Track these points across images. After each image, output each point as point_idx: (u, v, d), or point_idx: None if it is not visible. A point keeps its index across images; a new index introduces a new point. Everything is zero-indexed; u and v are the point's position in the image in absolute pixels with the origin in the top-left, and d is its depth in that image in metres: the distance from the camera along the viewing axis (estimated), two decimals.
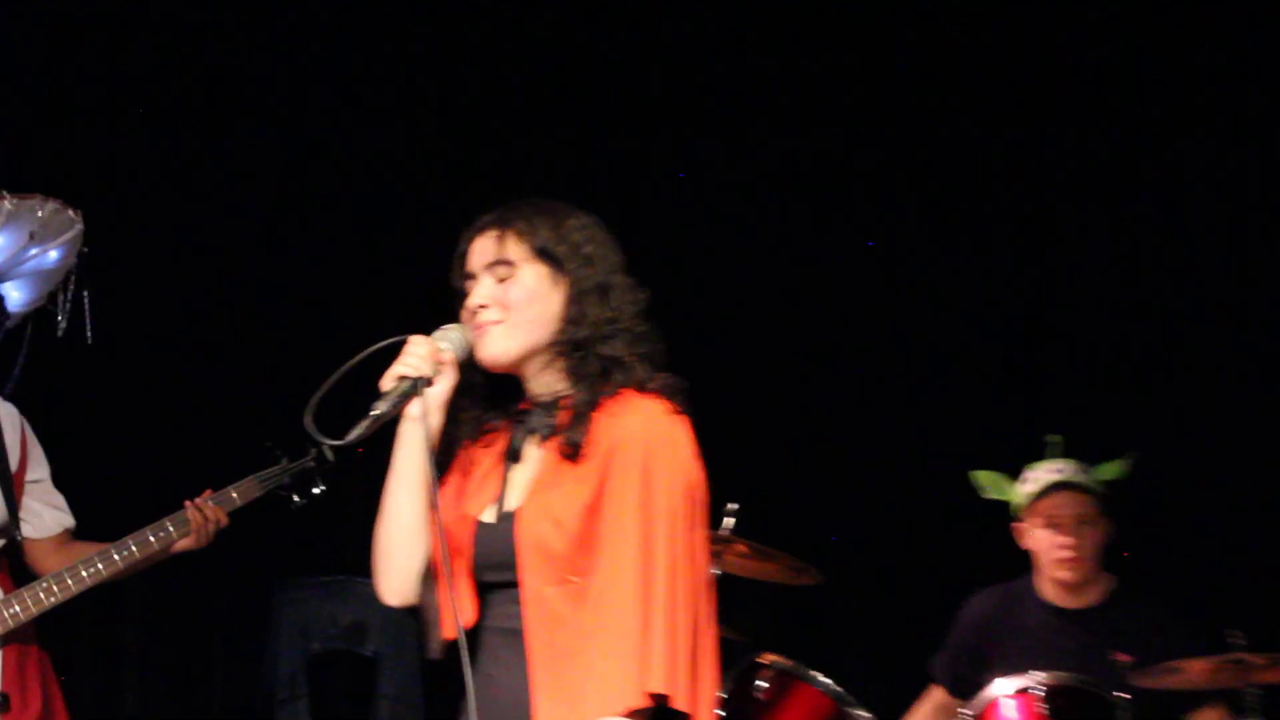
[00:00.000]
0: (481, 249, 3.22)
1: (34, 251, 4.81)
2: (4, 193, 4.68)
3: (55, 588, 4.59)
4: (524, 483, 3.19)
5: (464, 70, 6.46)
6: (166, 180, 6.27)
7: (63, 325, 4.93)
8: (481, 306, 3.18)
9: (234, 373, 6.36)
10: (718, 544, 5.09)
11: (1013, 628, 5.34)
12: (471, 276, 3.23)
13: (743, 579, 5.33)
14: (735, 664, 5.09)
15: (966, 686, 5.22)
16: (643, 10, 6.40)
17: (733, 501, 5.11)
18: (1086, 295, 6.41)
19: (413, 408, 3.12)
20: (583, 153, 6.42)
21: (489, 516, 3.19)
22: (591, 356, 3.15)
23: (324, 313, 6.31)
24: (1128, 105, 6.24)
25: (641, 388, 3.14)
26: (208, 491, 4.82)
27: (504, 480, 3.22)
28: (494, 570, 3.15)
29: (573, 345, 3.16)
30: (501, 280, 3.18)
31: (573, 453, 3.11)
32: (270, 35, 6.36)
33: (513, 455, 3.22)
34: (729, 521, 5.13)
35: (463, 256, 3.25)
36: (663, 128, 6.45)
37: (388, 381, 3.12)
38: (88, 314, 4.90)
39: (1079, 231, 6.37)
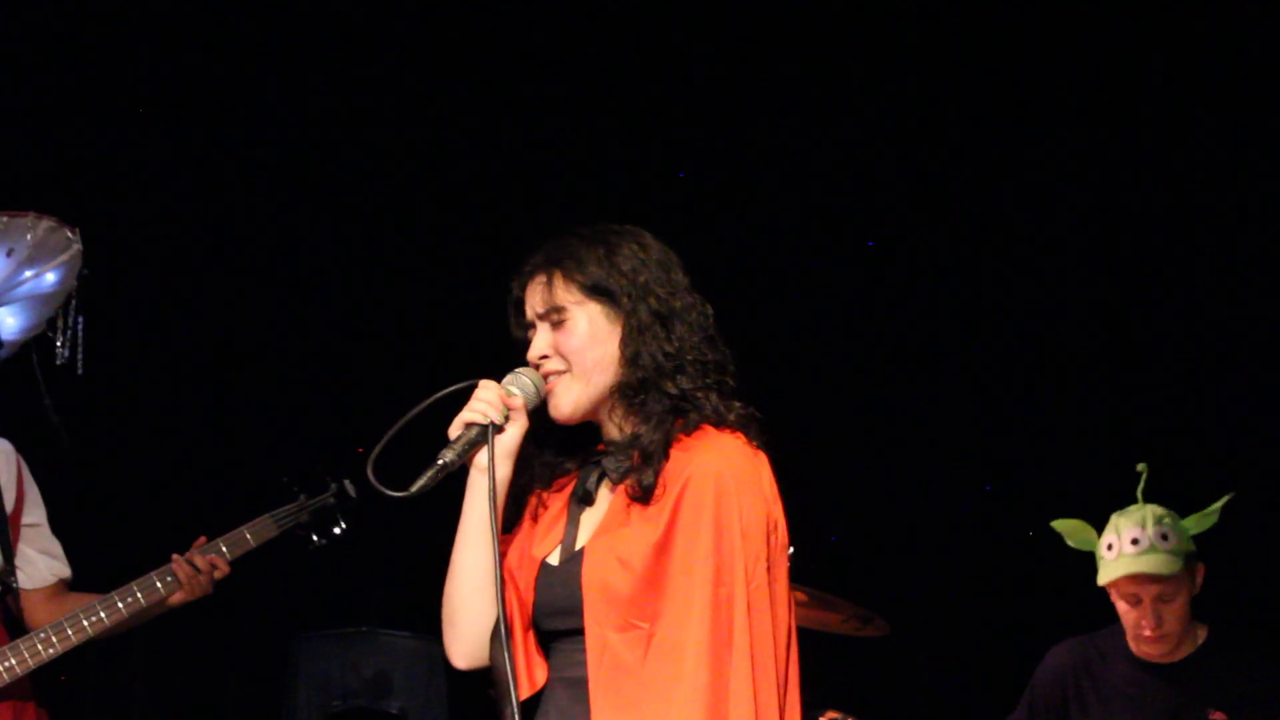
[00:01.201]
0: (533, 295, 3.14)
1: (28, 274, 4.64)
2: None
3: (54, 639, 4.51)
4: (592, 525, 3.10)
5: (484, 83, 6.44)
6: (169, 200, 6.22)
7: (63, 354, 4.76)
8: (543, 358, 3.11)
9: (245, 403, 6.31)
10: None
11: (1096, 683, 5.13)
12: (531, 326, 3.16)
13: (801, 629, 4.99)
14: None
15: None
16: (642, 10, 6.37)
17: (790, 546, 4.78)
18: (1175, 320, 6.33)
19: (480, 457, 3.04)
20: (582, 153, 6.43)
21: (554, 559, 3.09)
22: (656, 395, 3.06)
23: (339, 338, 6.35)
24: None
25: (719, 422, 3.05)
26: (200, 540, 4.69)
27: (571, 522, 3.12)
28: (558, 616, 3.03)
29: (635, 386, 3.07)
30: (557, 327, 3.11)
31: (643, 495, 3.01)
32: (300, 48, 6.31)
33: (583, 497, 3.13)
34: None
35: (519, 305, 3.19)
36: (663, 127, 6.43)
37: (455, 428, 3.04)
38: (80, 341, 4.74)
39: (1176, 257, 6.30)
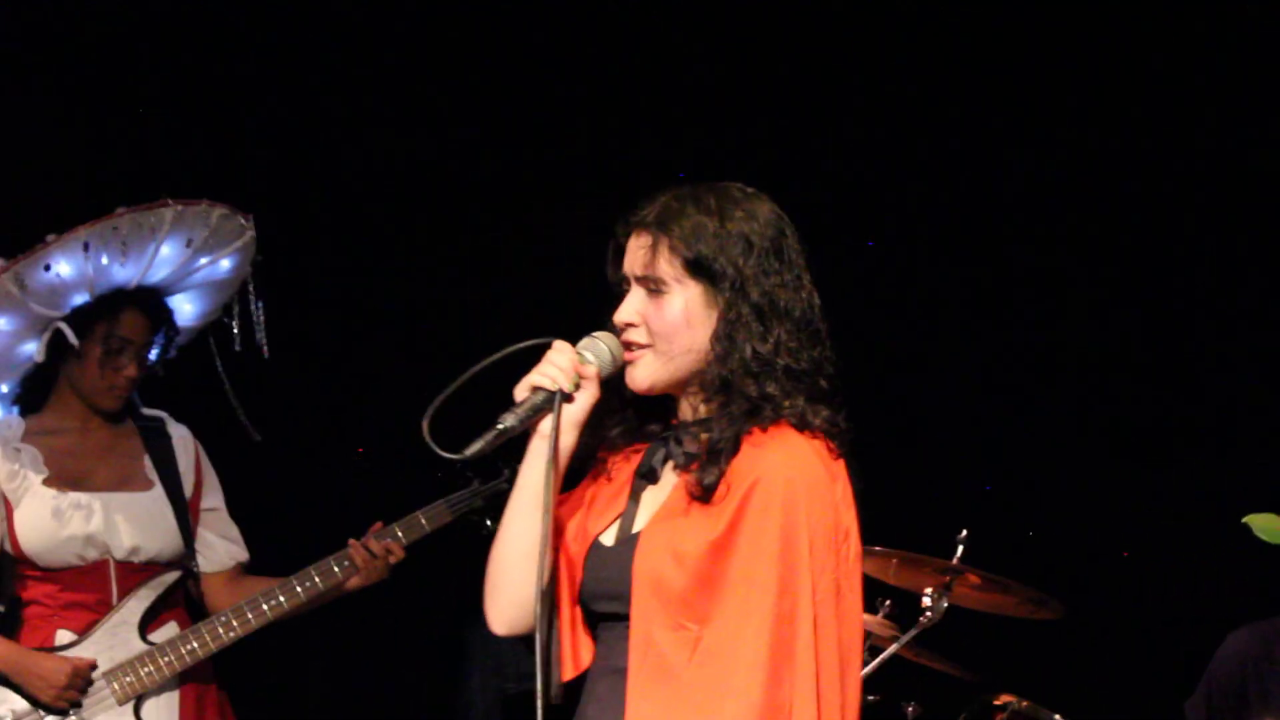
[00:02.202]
0: (635, 253, 2.94)
1: (203, 261, 4.66)
2: (168, 199, 4.51)
3: (234, 622, 4.57)
4: (652, 507, 2.92)
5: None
6: (340, 184, 6.20)
7: (239, 340, 4.78)
8: (629, 325, 2.93)
9: (421, 389, 6.11)
10: (947, 574, 4.86)
11: (1278, 667, 4.99)
12: (625, 278, 2.96)
13: (975, 612, 5.11)
14: (968, 706, 4.98)
15: None
16: (642, 10, 6.28)
17: (963, 527, 4.88)
18: None
19: (544, 424, 2.87)
20: (583, 152, 6.30)
21: (609, 539, 2.92)
22: (737, 396, 2.86)
23: (517, 323, 6.11)
24: None
25: (801, 425, 2.85)
26: (376, 525, 4.69)
27: (633, 500, 2.94)
28: (606, 600, 2.88)
29: (717, 384, 2.87)
30: (652, 295, 2.91)
31: (703, 495, 2.82)
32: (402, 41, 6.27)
33: (646, 474, 2.95)
34: (959, 550, 4.87)
35: (619, 251, 2.98)
36: (662, 127, 6.31)
37: (521, 390, 2.87)
38: (262, 327, 4.75)
39: None
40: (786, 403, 2.84)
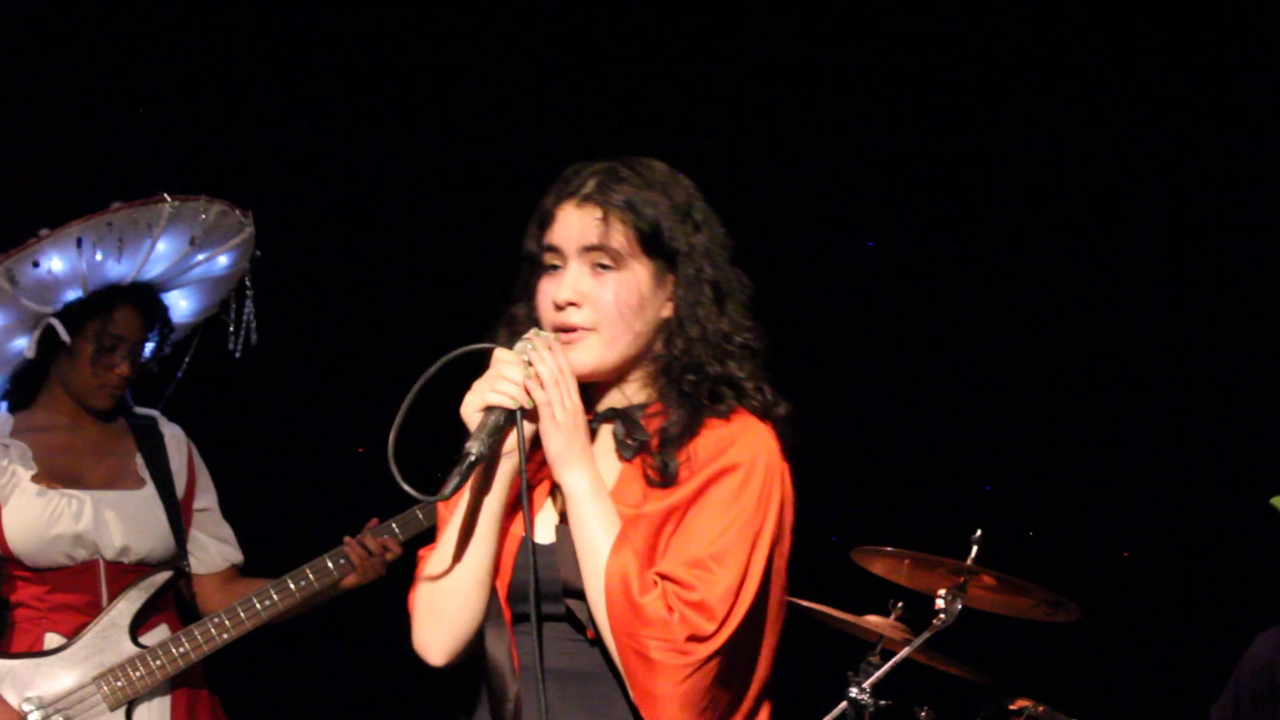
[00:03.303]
0: (579, 224, 2.77)
1: (200, 258, 4.63)
2: (165, 195, 4.47)
3: (227, 623, 4.53)
4: None
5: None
6: (338, 180, 6.21)
7: (236, 338, 4.75)
8: (570, 304, 2.75)
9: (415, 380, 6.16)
10: (961, 575, 4.78)
11: None
12: (557, 251, 2.79)
13: (990, 615, 5.01)
14: (983, 710, 4.96)
15: None
16: (641, 10, 6.28)
17: (977, 527, 4.78)
18: None
19: (508, 443, 2.73)
20: (582, 152, 6.14)
21: (545, 537, 2.77)
22: (699, 377, 2.76)
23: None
24: None
25: (764, 414, 2.78)
26: (373, 521, 4.66)
27: (557, 494, 2.79)
28: (548, 601, 2.73)
29: (678, 366, 2.76)
30: (598, 273, 2.76)
31: (663, 481, 2.72)
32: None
33: None
34: (973, 550, 4.78)
35: (547, 219, 2.81)
36: (662, 127, 6.24)
37: (472, 411, 2.71)
38: (252, 325, 4.73)
39: None
40: (750, 385, 2.76)
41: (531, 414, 2.71)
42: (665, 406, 2.75)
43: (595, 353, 2.74)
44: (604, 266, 2.75)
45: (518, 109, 6.28)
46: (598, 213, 2.76)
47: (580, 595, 2.70)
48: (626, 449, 2.76)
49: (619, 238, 2.75)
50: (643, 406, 2.79)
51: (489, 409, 2.69)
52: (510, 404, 2.68)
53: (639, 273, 2.76)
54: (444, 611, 2.75)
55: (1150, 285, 6.31)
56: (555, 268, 2.78)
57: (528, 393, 2.70)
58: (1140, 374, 6.30)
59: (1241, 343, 6.18)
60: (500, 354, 2.73)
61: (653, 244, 2.76)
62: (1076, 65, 6.16)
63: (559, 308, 2.75)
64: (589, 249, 2.75)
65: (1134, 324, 6.31)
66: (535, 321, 2.80)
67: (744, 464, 2.70)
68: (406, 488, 2.66)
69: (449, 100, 6.26)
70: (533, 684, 2.70)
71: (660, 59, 6.30)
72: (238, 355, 4.70)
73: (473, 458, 2.65)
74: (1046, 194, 6.29)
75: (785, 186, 6.32)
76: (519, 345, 2.73)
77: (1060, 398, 6.31)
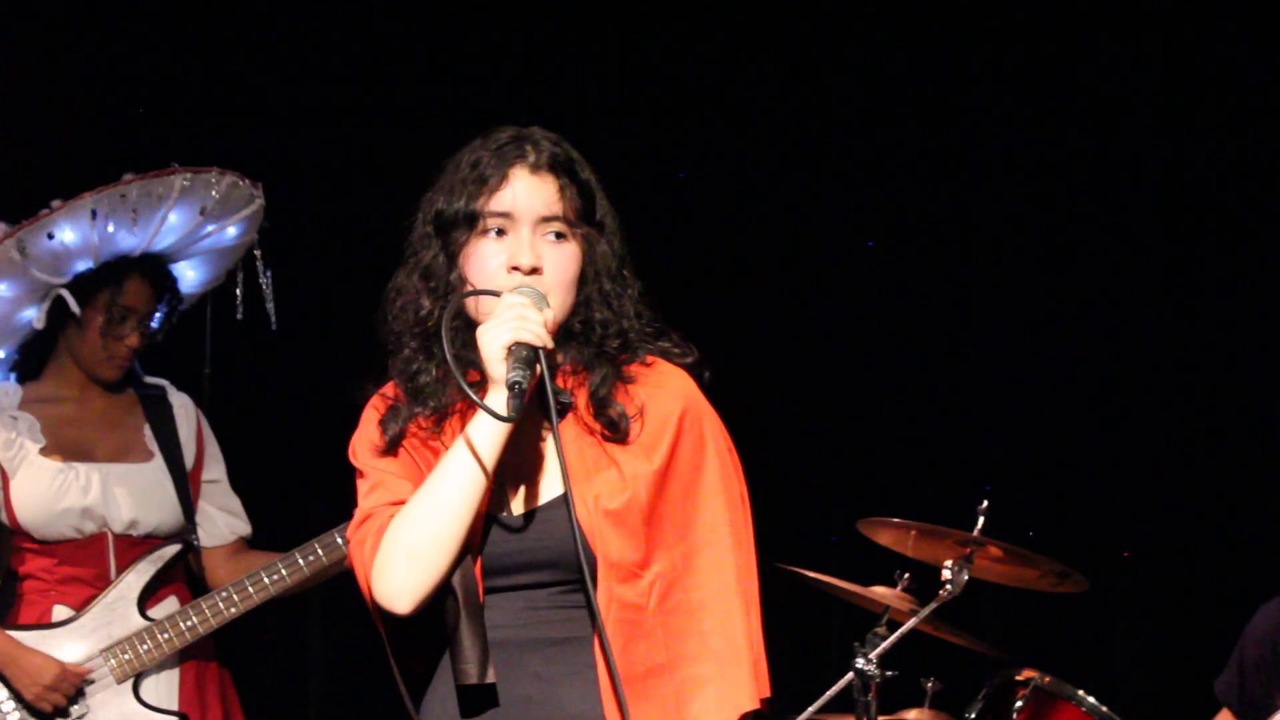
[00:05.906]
0: (540, 193, 2.84)
1: (210, 229, 4.63)
2: (177, 166, 4.50)
3: (236, 597, 4.53)
4: (549, 466, 2.87)
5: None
6: (351, 157, 6.17)
7: (242, 307, 4.76)
8: (535, 270, 2.82)
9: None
10: (968, 546, 4.77)
11: None
12: (507, 216, 2.84)
13: (997, 585, 5.03)
14: (989, 681, 4.91)
15: (1257, 710, 4.85)
16: (641, 9, 6.29)
17: (984, 498, 4.77)
18: None
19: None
20: (589, 151, 6.16)
21: (516, 509, 2.85)
22: (616, 336, 2.89)
23: None
24: None
25: (668, 357, 2.94)
26: None
27: (510, 468, 2.84)
28: (525, 571, 2.82)
29: (607, 329, 2.88)
30: (552, 241, 2.85)
31: (619, 435, 2.84)
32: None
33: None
34: (980, 521, 4.77)
35: (494, 182, 2.85)
36: (663, 127, 6.31)
37: (498, 347, 2.73)
38: (270, 296, 4.72)
39: None
40: (665, 341, 2.91)
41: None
42: (579, 366, 2.86)
43: (550, 318, 2.80)
44: (559, 235, 2.83)
45: (528, 98, 6.26)
46: (555, 182, 2.84)
47: (561, 563, 2.81)
48: (556, 411, 2.77)
49: (571, 209, 2.84)
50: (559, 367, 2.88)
51: (517, 344, 2.72)
52: (538, 343, 2.73)
53: (579, 242, 2.85)
54: (423, 556, 2.77)
55: (1154, 254, 6.29)
56: (500, 232, 2.84)
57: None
58: (1146, 345, 6.28)
59: (1248, 311, 6.17)
60: (511, 297, 2.76)
61: (589, 215, 2.87)
62: (1076, 65, 6.16)
63: (522, 272, 2.80)
64: (547, 219, 2.83)
65: (1142, 292, 6.29)
66: (464, 280, 2.85)
67: (688, 409, 2.86)
68: (480, 402, 2.70)
69: (463, 83, 6.24)
70: (531, 654, 2.81)
71: (661, 58, 6.31)
72: (273, 326, 4.70)
73: (523, 383, 2.70)
74: (1054, 172, 6.30)
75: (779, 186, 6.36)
76: (511, 297, 2.77)
77: (1067, 369, 6.30)
